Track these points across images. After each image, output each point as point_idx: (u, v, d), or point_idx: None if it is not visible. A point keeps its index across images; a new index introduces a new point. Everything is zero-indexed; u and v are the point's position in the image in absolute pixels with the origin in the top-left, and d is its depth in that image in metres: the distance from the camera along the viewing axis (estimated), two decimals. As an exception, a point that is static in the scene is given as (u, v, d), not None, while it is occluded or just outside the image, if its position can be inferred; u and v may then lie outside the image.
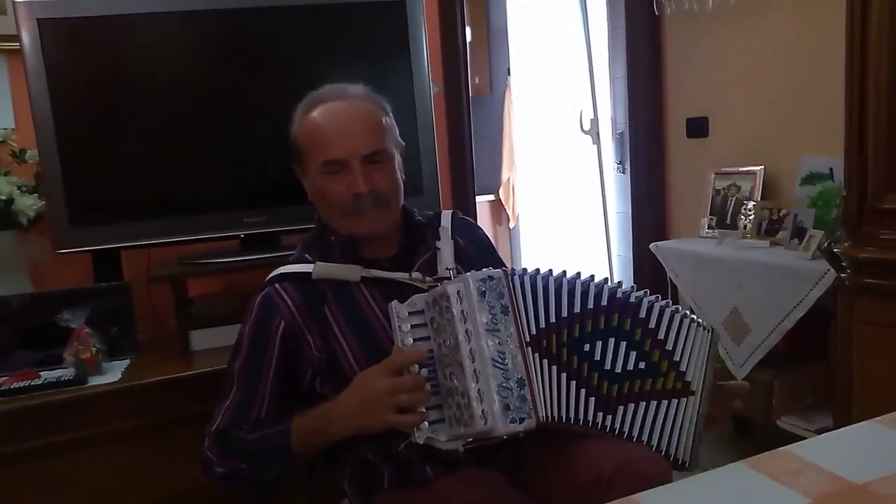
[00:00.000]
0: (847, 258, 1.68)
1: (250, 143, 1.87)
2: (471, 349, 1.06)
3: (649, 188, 3.02)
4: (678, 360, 1.14)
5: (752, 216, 2.42)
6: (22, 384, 1.60)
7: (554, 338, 1.10)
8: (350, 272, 1.26)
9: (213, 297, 2.09)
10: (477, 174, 2.83)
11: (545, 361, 1.09)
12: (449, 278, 1.27)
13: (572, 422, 1.09)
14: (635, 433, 1.11)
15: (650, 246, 2.67)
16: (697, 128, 2.81)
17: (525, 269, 1.14)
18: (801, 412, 2.24)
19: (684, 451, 1.13)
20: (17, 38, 1.71)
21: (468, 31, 2.87)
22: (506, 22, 4.45)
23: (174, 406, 1.64)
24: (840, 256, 1.70)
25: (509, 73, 4.49)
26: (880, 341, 1.64)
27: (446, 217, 1.40)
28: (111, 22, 1.76)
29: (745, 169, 2.57)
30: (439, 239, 1.35)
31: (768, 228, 2.38)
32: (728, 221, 2.57)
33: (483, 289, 1.08)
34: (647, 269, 2.89)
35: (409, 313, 1.15)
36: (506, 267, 1.17)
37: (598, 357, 1.12)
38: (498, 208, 4.73)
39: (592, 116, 3.51)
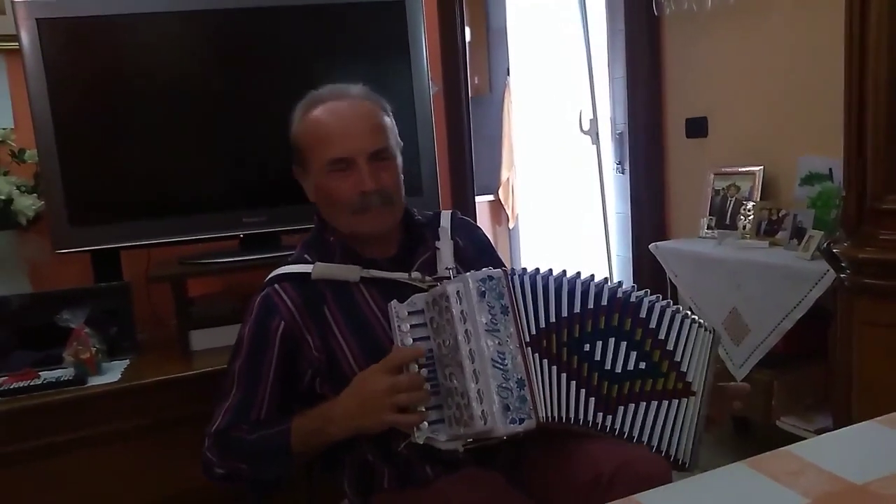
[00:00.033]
0: (846, 258, 1.68)
1: (250, 144, 1.87)
2: (470, 349, 1.06)
3: (649, 188, 3.02)
4: (679, 360, 1.14)
5: (752, 216, 2.41)
6: (22, 384, 1.60)
7: (554, 338, 1.10)
8: (349, 272, 1.26)
9: (212, 297, 2.09)
10: (476, 174, 2.83)
11: (545, 361, 1.09)
12: (448, 278, 1.27)
13: (572, 422, 1.09)
14: (635, 433, 1.11)
15: (649, 246, 2.67)
16: (697, 128, 2.81)
17: (525, 269, 1.13)
18: (801, 412, 2.24)
19: (684, 451, 1.13)
20: (16, 37, 1.71)
21: (467, 31, 2.86)
22: (505, 22, 4.45)
23: (174, 406, 1.64)
24: (839, 257, 1.70)
25: (509, 74, 4.48)
26: (880, 341, 1.64)
27: (446, 217, 1.40)
28: (110, 22, 1.76)
29: (744, 169, 2.57)
30: (439, 239, 1.35)
31: (768, 229, 2.38)
32: (727, 222, 2.57)
33: (483, 289, 1.08)
34: (647, 269, 2.89)
35: (409, 313, 1.15)
36: (505, 267, 1.17)
37: (598, 357, 1.11)
38: (497, 208, 4.73)
39: (592, 116, 3.50)
